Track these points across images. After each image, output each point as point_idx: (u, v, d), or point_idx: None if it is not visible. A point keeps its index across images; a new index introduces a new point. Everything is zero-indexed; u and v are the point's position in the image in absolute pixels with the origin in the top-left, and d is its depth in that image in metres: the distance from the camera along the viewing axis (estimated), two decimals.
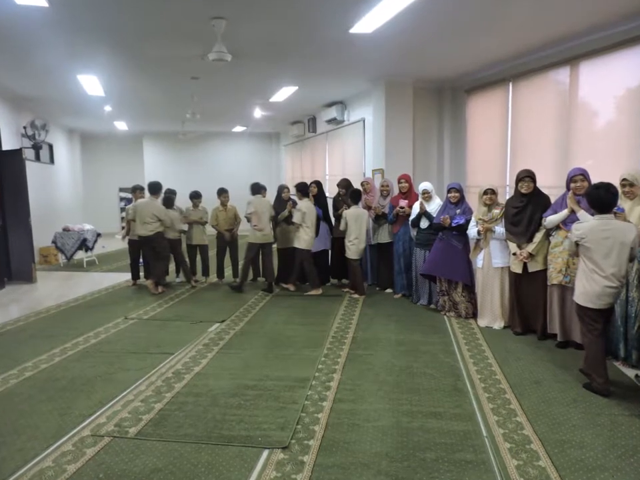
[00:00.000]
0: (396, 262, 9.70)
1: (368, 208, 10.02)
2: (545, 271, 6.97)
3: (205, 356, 6.63)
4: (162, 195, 10.93)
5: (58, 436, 4.68)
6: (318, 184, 10.94)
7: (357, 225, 9.62)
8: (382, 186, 10.13)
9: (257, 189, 10.52)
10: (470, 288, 8.17)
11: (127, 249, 11.64)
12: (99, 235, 15.30)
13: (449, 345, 7.04)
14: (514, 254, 7.21)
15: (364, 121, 13.23)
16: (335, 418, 4.97)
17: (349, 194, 9.99)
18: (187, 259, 11.46)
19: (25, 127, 13.44)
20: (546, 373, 6.01)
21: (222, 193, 11.41)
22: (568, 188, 6.68)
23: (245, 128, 20.50)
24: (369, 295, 9.93)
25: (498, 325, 7.66)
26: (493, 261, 7.57)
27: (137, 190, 11.50)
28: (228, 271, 11.76)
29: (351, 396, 5.45)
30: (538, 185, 7.30)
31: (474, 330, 7.64)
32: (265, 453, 4.40)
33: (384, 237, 9.87)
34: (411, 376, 5.96)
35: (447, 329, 7.76)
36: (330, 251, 10.96)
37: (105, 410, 5.18)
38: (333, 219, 10.91)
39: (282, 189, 11.04)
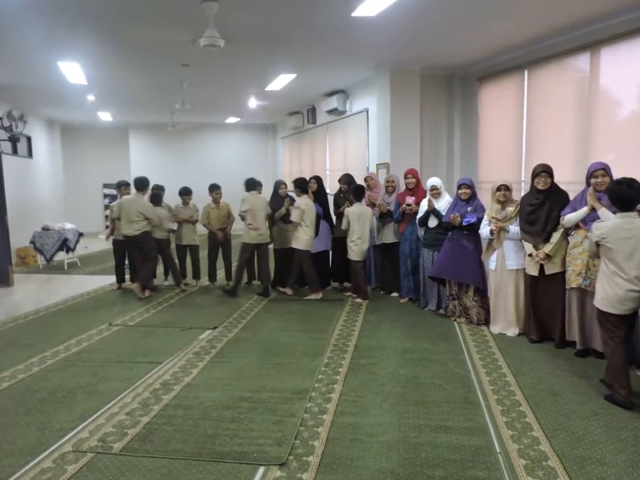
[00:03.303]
0: (402, 263, 9.65)
1: (372, 205, 9.98)
2: (563, 273, 6.93)
3: (195, 365, 6.62)
4: (149, 192, 10.90)
5: (37, 452, 4.66)
6: (318, 179, 10.92)
7: (359, 224, 9.58)
8: (387, 182, 10.07)
9: (252, 184, 10.51)
10: (482, 292, 8.15)
11: (111, 249, 11.58)
12: (81, 234, 15.24)
13: (460, 353, 7.03)
14: (529, 255, 7.18)
15: (367, 112, 13.13)
16: (336, 432, 4.97)
17: (351, 190, 9.96)
18: (177, 261, 11.45)
19: (0, 118, 13.43)
20: (564, 384, 6.00)
21: (214, 189, 11.36)
22: (588, 184, 6.63)
23: (238, 119, 20.40)
24: (373, 300, 9.89)
25: (512, 331, 7.64)
26: (507, 262, 7.54)
27: (122, 186, 11.42)
28: (221, 274, 11.73)
29: (354, 408, 5.45)
30: (556, 180, 7.28)
31: (486, 337, 7.63)
32: (261, 470, 4.39)
33: (389, 236, 9.84)
34: (418, 387, 5.96)
35: (457, 335, 7.76)
36: (331, 252, 10.90)
37: (88, 424, 5.17)
38: (333, 218, 10.85)
39: (279, 184, 10.94)
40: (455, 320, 8.38)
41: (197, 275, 11.70)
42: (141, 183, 10.60)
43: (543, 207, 7.11)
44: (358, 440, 4.83)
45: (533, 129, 9.94)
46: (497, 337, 7.59)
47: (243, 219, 10.40)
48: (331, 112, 14.93)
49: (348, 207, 9.88)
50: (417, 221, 9.06)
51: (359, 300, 9.81)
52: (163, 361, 6.78)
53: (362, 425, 5.11)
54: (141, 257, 10.50)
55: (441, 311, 8.82)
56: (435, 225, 8.62)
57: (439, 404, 5.55)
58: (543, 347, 7.17)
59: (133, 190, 10.77)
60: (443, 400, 5.64)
